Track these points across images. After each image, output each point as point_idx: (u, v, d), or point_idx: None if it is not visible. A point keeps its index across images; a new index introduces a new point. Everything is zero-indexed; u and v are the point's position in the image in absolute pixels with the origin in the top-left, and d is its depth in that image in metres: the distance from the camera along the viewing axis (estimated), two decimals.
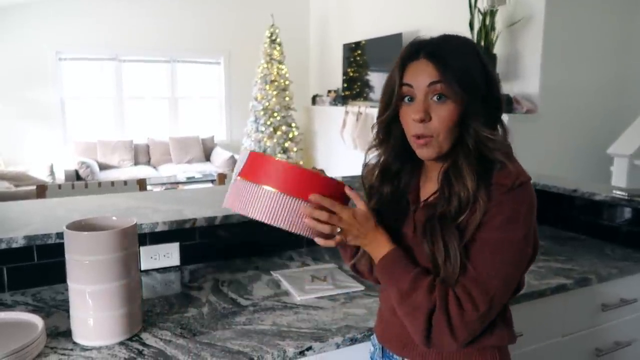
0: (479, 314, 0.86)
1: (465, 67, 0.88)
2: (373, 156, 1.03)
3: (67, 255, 1.12)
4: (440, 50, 0.89)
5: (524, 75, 4.01)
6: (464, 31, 4.09)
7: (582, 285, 1.57)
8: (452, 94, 0.87)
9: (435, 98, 0.89)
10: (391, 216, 1.00)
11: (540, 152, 3.83)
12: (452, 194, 0.89)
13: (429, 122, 0.89)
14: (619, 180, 3.55)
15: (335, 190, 0.92)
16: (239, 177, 0.93)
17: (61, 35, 6.49)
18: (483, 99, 0.89)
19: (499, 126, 0.94)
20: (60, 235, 1.44)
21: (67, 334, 1.17)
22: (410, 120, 0.91)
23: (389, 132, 0.98)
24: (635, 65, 4.27)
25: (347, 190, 0.92)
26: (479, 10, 4.16)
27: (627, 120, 3.96)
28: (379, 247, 0.94)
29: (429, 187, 0.99)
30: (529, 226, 0.89)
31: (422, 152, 0.92)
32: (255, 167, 0.91)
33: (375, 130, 1.00)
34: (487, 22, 4.10)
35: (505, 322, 0.97)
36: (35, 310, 1.31)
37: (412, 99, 0.91)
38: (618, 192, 1.93)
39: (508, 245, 0.87)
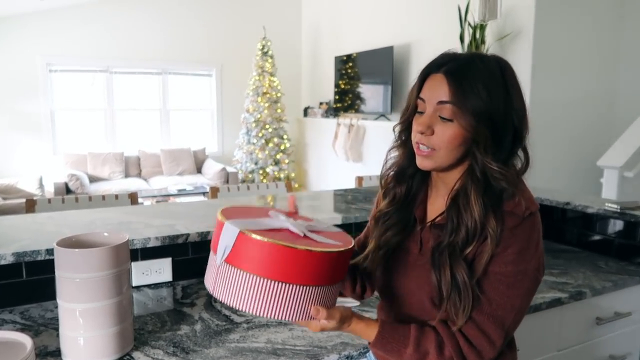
0: (497, 349, 0.86)
1: (482, 94, 0.85)
2: (392, 157, 1.03)
3: (57, 273, 1.10)
4: (461, 71, 0.87)
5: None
6: (454, 44, 4.14)
7: (577, 299, 1.56)
8: (460, 118, 0.86)
9: (441, 117, 0.88)
10: (400, 223, 0.99)
11: (531, 164, 3.85)
12: (461, 223, 0.87)
13: (430, 136, 0.89)
14: (609, 192, 3.58)
15: (330, 262, 0.83)
16: (225, 262, 0.83)
17: (52, 47, 6.47)
18: (497, 129, 0.86)
19: (521, 153, 0.91)
20: (50, 251, 1.41)
21: (57, 353, 1.15)
22: (414, 130, 0.92)
23: (408, 135, 0.97)
24: (624, 77, 4.34)
25: (314, 313, 0.84)
26: (469, 24, 4.21)
27: (616, 132, 4.01)
28: (364, 334, 0.92)
29: (436, 205, 0.98)
30: (540, 255, 0.89)
31: (421, 162, 0.92)
32: (242, 250, 0.81)
33: (397, 131, 1.01)
34: (478, 35, 4.14)
35: (510, 345, 0.97)
36: (23, 329, 1.28)
37: (422, 112, 0.91)
38: (610, 205, 1.94)
39: (522, 277, 0.86)
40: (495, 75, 0.87)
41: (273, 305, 0.81)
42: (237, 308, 0.81)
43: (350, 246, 0.87)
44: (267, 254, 0.79)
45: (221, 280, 0.83)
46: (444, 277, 0.87)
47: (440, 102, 0.87)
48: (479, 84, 0.85)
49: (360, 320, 0.91)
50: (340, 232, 0.95)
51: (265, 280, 0.80)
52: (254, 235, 0.80)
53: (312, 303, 0.83)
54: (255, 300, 0.80)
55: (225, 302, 0.82)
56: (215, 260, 0.84)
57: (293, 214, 0.98)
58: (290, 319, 0.82)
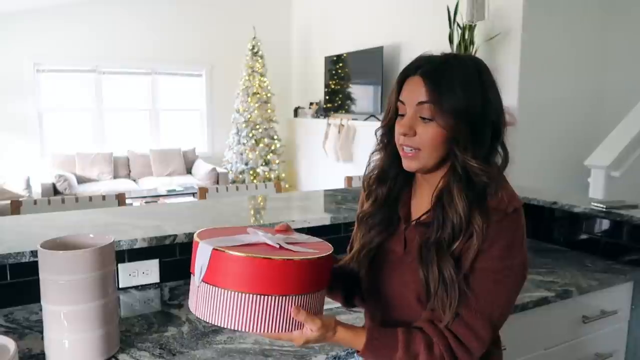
0: (485, 345, 0.87)
1: (459, 93, 0.86)
2: (375, 160, 1.04)
3: (41, 275, 1.09)
4: (437, 72, 0.88)
5: (503, 88, 3.93)
6: (443, 45, 4.16)
7: (564, 297, 1.57)
8: (439, 117, 0.87)
9: (421, 117, 0.89)
10: (382, 223, 1.00)
11: (519, 164, 3.87)
12: (446, 220, 0.88)
13: (413, 137, 0.90)
14: (596, 192, 3.61)
15: (307, 270, 0.83)
16: (203, 282, 0.83)
17: (40, 47, 6.40)
18: (475, 126, 0.88)
19: (500, 149, 0.92)
20: (34, 253, 1.40)
21: (41, 357, 1.13)
22: (397, 132, 0.93)
23: (390, 138, 0.99)
24: (611, 78, 4.38)
25: (294, 314, 0.83)
26: (458, 25, 4.23)
27: (603, 132, 4.04)
28: (352, 343, 0.90)
29: (420, 205, 0.99)
30: (525, 251, 0.90)
31: (407, 163, 0.93)
32: (219, 267, 0.81)
33: (378, 134, 1.02)
34: (466, 36, 4.17)
35: (495, 344, 0.98)
36: (7, 332, 1.26)
37: (403, 115, 0.92)
38: (596, 205, 1.96)
39: (508, 273, 0.87)
40: (470, 74, 0.89)
41: (255, 319, 0.81)
42: (221, 326, 0.82)
43: (326, 253, 0.87)
44: (242, 268, 0.80)
45: (202, 300, 0.83)
46: (431, 273, 0.88)
47: (420, 103, 0.89)
48: (455, 82, 0.87)
49: (346, 329, 0.89)
50: (321, 242, 0.95)
51: (244, 294, 0.80)
52: (227, 252, 0.80)
53: (289, 311, 0.83)
54: (237, 316, 0.80)
55: (209, 322, 0.83)
56: (195, 282, 0.84)
57: (282, 231, 0.98)
58: (273, 330, 0.82)
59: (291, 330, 0.84)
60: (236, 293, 0.80)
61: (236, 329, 0.81)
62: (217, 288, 0.81)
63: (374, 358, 0.91)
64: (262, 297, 0.80)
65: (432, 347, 0.86)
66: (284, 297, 0.81)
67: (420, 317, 0.92)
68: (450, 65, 0.89)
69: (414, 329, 0.89)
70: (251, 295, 0.80)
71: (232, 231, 0.93)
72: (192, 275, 0.88)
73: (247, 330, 0.81)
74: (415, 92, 0.90)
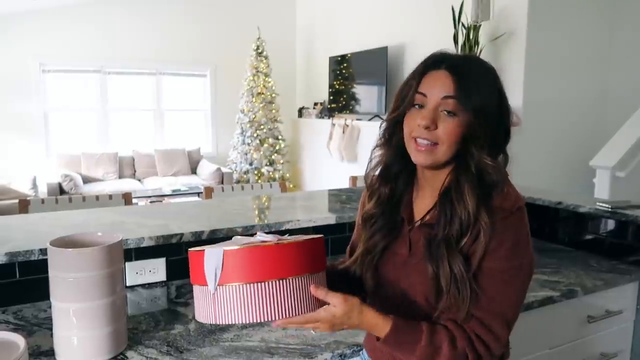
0: (502, 344, 0.89)
1: (482, 92, 0.89)
2: (377, 155, 1.03)
3: (50, 273, 1.10)
4: (463, 68, 0.90)
5: (507, 88, 3.93)
6: (448, 45, 4.16)
7: (569, 297, 1.57)
8: (462, 113, 0.88)
9: (445, 111, 0.89)
10: (385, 227, 1.00)
11: (524, 164, 3.88)
12: (454, 215, 0.89)
13: (433, 130, 0.90)
14: (601, 192, 3.60)
15: (310, 248, 0.88)
16: (220, 286, 0.85)
17: (45, 47, 6.43)
18: (492, 126, 0.90)
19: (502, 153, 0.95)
20: (43, 251, 1.41)
21: (50, 353, 1.14)
22: (414, 123, 0.91)
23: (394, 133, 0.98)
24: (616, 78, 4.37)
25: (314, 290, 0.86)
26: (463, 25, 4.23)
27: (608, 132, 4.03)
28: (374, 329, 0.91)
29: (423, 205, 0.99)
30: (531, 250, 0.91)
31: (418, 158, 0.92)
32: (235, 264, 0.84)
33: (382, 128, 1.01)
34: (471, 36, 4.16)
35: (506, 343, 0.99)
36: (16, 329, 1.28)
37: (422, 107, 0.91)
38: (602, 205, 1.95)
39: (517, 272, 0.88)
40: (490, 75, 0.92)
41: (277, 306, 0.83)
42: (247, 322, 0.84)
43: (321, 235, 0.94)
44: (254, 259, 0.83)
45: (222, 304, 0.84)
46: (442, 270, 0.88)
47: (446, 97, 0.89)
48: (480, 81, 0.89)
49: (374, 313, 0.90)
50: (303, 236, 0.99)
51: (262, 283, 0.83)
52: (238, 247, 0.83)
53: (307, 291, 0.86)
54: (260, 307, 0.83)
55: (235, 323, 0.84)
56: (208, 290, 0.85)
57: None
58: (300, 312, 0.85)
59: (315, 309, 0.87)
60: (255, 285, 0.83)
61: (260, 320, 0.83)
62: (234, 286, 0.83)
63: (396, 345, 0.91)
64: (278, 282, 0.83)
65: (455, 341, 0.87)
66: (295, 279, 0.85)
67: (427, 317, 0.93)
68: (474, 65, 0.92)
69: (437, 324, 0.90)
70: (269, 283, 0.83)
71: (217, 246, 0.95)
72: (196, 288, 0.89)
73: (270, 318, 0.83)
74: (441, 85, 0.89)
